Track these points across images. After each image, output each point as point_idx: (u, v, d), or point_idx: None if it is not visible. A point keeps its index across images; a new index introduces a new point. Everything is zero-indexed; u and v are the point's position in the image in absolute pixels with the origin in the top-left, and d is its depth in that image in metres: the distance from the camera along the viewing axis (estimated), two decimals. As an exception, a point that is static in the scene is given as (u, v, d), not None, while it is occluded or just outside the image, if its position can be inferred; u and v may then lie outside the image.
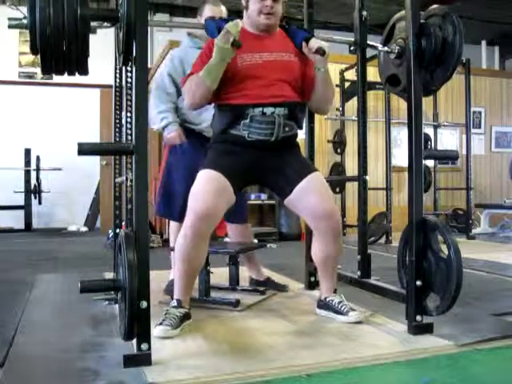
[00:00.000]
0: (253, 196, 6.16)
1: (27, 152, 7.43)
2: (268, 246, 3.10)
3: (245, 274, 2.99)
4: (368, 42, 2.68)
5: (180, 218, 2.76)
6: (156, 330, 2.00)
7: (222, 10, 2.76)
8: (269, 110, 2.19)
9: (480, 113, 7.76)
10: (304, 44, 2.24)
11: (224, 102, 2.23)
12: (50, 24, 1.61)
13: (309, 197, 2.22)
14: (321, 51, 2.18)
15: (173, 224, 2.83)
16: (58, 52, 1.67)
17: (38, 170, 7.45)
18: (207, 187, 2.14)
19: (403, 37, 2.28)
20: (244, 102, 2.18)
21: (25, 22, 1.65)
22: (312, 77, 2.29)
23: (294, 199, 2.25)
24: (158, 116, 2.72)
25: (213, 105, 2.32)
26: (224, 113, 2.24)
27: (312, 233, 2.35)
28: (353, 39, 2.72)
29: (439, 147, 6.94)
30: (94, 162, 7.04)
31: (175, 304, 2.18)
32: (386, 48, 2.47)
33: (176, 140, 2.69)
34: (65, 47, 1.66)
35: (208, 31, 2.24)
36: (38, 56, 1.68)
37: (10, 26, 1.69)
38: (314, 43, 2.21)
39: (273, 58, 2.23)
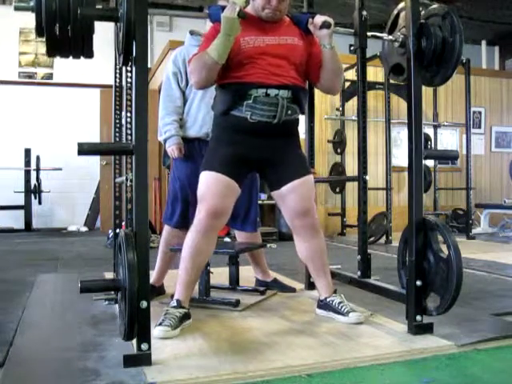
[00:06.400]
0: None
1: (27, 152, 7.43)
2: (268, 245, 3.09)
3: (245, 273, 2.99)
4: (373, 33, 2.66)
5: (176, 225, 2.76)
6: (156, 331, 2.00)
7: None
8: (272, 92, 2.19)
9: (480, 113, 7.76)
10: (310, 20, 2.25)
11: (226, 81, 2.22)
12: (56, 6, 1.63)
13: (292, 195, 2.28)
14: (326, 24, 2.19)
15: (167, 228, 2.82)
16: (63, 34, 1.68)
17: (38, 169, 7.45)
18: (213, 189, 2.19)
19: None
20: (247, 80, 2.18)
21: (31, 4, 1.66)
22: (319, 58, 2.29)
23: (281, 195, 2.31)
24: (163, 128, 2.75)
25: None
26: (226, 92, 2.23)
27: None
28: (352, 39, 2.71)
29: (439, 147, 6.94)
30: (94, 162, 7.05)
31: (175, 304, 2.18)
32: (390, 37, 2.46)
33: (174, 153, 2.72)
34: (70, 30, 1.67)
35: (211, 15, 2.24)
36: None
37: (16, 8, 1.72)
38: (319, 18, 2.22)
39: (276, 42, 2.24)
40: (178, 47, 2.88)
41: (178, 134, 2.73)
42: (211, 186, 2.20)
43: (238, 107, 2.20)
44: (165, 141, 2.75)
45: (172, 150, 2.72)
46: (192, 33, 2.86)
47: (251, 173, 2.40)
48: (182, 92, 2.76)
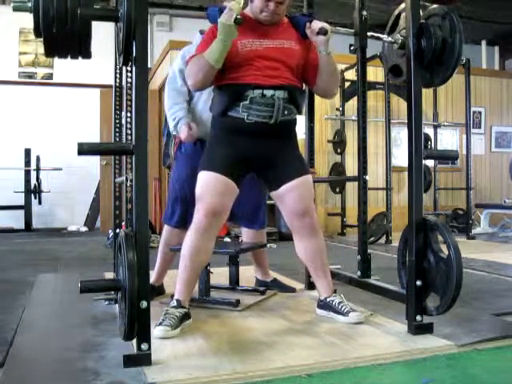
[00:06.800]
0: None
1: (27, 152, 7.42)
2: (268, 245, 3.10)
3: (245, 273, 2.99)
4: (372, 34, 2.65)
5: (176, 225, 2.76)
6: (156, 331, 2.00)
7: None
8: (269, 93, 2.20)
9: (480, 113, 7.76)
10: (308, 24, 2.25)
11: (223, 82, 2.24)
12: (53, 7, 1.63)
13: (291, 195, 2.28)
14: (323, 31, 2.20)
15: (166, 228, 2.82)
16: (60, 35, 1.68)
17: (38, 169, 7.45)
18: (211, 188, 2.19)
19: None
20: (243, 81, 2.20)
21: (29, 4, 1.66)
22: (315, 62, 2.30)
23: (280, 195, 2.32)
24: (172, 116, 2.70)
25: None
26: (223, 93, 2.25)
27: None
28: (353, 39, 2.71)
29: (439, 147, 6.94)
30: (94, 162, 7.04)
31: (175, 304, 2.18)
32: (389, 38, 2.46)
33: (186, 134, 2.61)
34: (67, 30, 1.68)
35: (210, 16, 2.26)
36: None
37: (14, 9, 1.72)
38: (316, 24, 2.23)
39: (274, 45, 2.25)
40: (177, 47, 2.88)
41: (186, 116, 2.67)
42: (209, 185, 2.20)
43: (235, 108, 2.22)
44: (175, 127, 2.68)
45: (182, 132, 2.62)
46: (202, 32, 2.85)
47: (249, 173, 2.40)
48: (187, 89, 2.73)
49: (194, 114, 2.74)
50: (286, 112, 2.24)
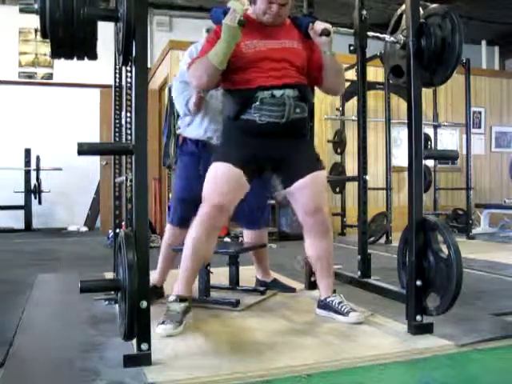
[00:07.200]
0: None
1: (27, 152, 7.42)
2: (268, 245, 3.10)
3: (245, 273, 2.99)
4: (374, 34, 2.66)
5: (177, 224, 2.75)
6: (159, 329, 2.01)
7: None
8: (278, 93, 2.21)
9: (480, 113, 7.76)
10: (310, 25, 2.26)
11: (232, 87, 2.26)
12: (60, 8, 1.64)
13: (303, 192, 2.28)
14: (326, 32, 2.21)
15: (168, 227, 2.82)
16: (67, 36, 1.69)
17: (38, 169, 7.44)
18: (221, 179, 2.20)
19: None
20: (253, 84, 2.21)
21: (35, 6, 1.66)
22: (320, 62, 2.32)
23: (293, 191, 2.32)
24: (182, 100, 2.66)
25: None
26: (233, 97, 2.27)
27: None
28: (353, 39, 2.71)
29: (439, 147, 6.93)
30: (94, 162, 7.03)
31: (174, 299, 2.18)
32: (392, 38, 2.46)
33: (196, 97, 2.56)
34: (74, 31, 1.68)
35: (213, 18, 2.26)
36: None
37: (21, 10, 1.72)
38: (319, 25, 2.24)
39: (277, 45, 2.26)
40: (177, 47, 2.88)
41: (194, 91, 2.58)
42: (219, 175, 2.21)
43: (247, 110, 2.22)
44: (186, 105, 2.64)
45: (193, 97, 2.58)
46: (208, 31, 2.84)
47: (263, 173, 2.40)
48: None
49: (210, 107, 2.69)
50: (297, 110, 2.25)
